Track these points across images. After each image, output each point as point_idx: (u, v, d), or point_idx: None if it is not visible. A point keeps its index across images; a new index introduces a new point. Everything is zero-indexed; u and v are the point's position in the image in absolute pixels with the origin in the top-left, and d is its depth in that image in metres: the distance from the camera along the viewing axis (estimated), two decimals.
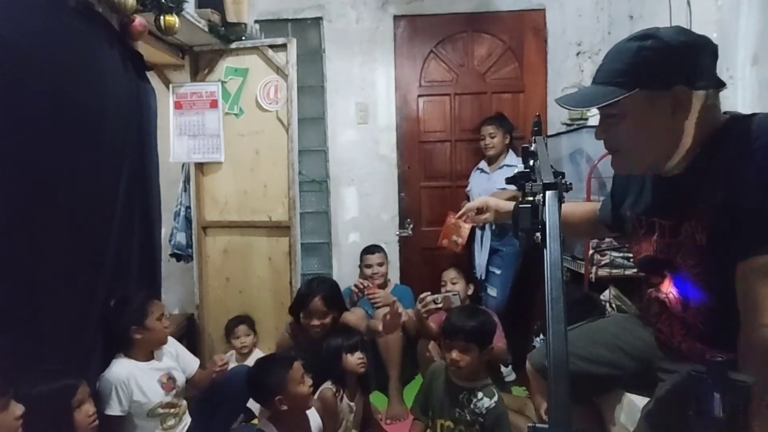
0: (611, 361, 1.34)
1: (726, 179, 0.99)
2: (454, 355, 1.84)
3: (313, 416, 1.88)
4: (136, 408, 1.85)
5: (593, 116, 2.68)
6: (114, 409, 1.78)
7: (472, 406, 1.81)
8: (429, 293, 2.33)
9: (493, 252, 2.92)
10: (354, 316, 2.66)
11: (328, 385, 2.02)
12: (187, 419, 2.02)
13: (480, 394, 1.82)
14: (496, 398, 1.82)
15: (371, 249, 3.07)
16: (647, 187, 1.19)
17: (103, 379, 1.81)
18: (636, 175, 1.24)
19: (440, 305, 2.35)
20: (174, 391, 1.95)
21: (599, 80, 1.06)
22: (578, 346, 1.35)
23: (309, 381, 1.80)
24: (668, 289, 1.16)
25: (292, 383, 1.74)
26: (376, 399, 2.52)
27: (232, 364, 2.54)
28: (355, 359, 2.08)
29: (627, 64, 1.02)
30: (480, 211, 1.63)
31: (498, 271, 2.91)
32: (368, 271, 2.99)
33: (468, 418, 1.81)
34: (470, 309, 2.05)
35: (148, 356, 1.92)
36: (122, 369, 1.83)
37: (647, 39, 1.02)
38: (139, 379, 1.84)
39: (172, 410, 1.93)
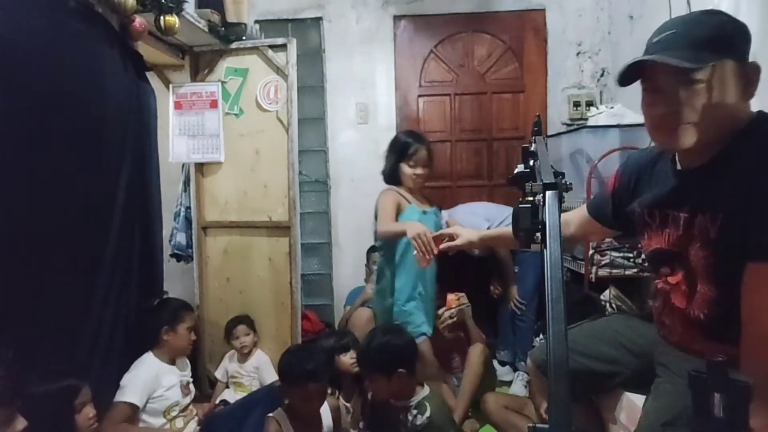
0: (613, 357, 1.35)
1: (752, 178, 0.98)
2: (366, 383, 1.92)
3: (326, 415, 1.90)
4: (155, 403, 1.96)
5: (593, 116, 2.67)
6: (132, 397, 1.89)
7: (409, 424, 1.82)
8: (444, 308, 2.42)
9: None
10: (360, 320, 2.67)
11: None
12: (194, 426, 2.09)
13: (414, 411, 1.82)
14: (428, 413, 1.80)
15: (375, 248, 3.05)
16: (662, 179, 1.18)
17: (133, 369, 1.95)
18: (647, 170, 1.23)
19: (455, 319, 2.44)
20: (189, 397, 2.11)
21: (680, 45, 1.00)
22: (580, 342, 1.36)
23: (322, 398, 1.81)
24: (676, 281, 1.16)
25: (305, 393, 1.76)
26: None
27: (234, 364, 2.57)
28: (347, 359, 2.07)
29: (717, 31, 0.99)
30: (451, 237, 1.73)
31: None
32: (375, 268, 2.97)
33: None
34: (374, 333, 1.96)
35: (171, 362, 2.07)
36: (153, 363, 2.00)
37: (720, 14, 1.02)
38: (164, 377, 2.00)
39: (182, 414, 2.05)
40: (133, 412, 1.89)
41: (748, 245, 0.97)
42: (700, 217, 1.07)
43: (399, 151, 2.32)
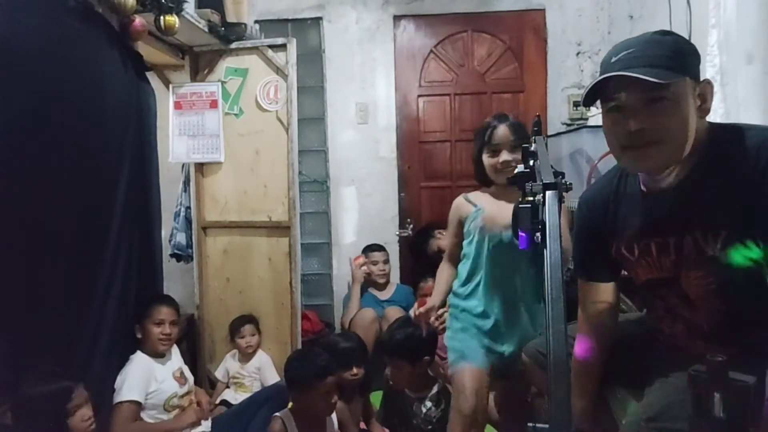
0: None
1: (747, 189, 0.99)
2: (387, 371, 1.95)
3: (332, 418, 1.90)
4: (153, 398, 1.97)
5: (593, 116, 2.67)
6: (132, 394, 1.90)
7: (422, 415, 1.86)
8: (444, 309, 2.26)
9: None
10: (364, 321, 2.68)
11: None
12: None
13: (428, 403, 1.87)
14: (443, 405, 1.86)
15: (375, 247, 3.12)
16: (631, 208, 1.16)
17: (125, 369, 1.96)
18: (612, 200, 1.19)
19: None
20: (186, 386, 2.12)
21: (641, 64, 0.99)
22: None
23: (334, 398, 1.81)
24: (675, 300, 1.15)
25: (315, 394, 1.76)
26: None
27: (235, 364, 2.57)
28: (347, 376, 2.06)
29: (672, 51, 1.01)
30: None
31: None
32: (374, 268, 3.02)
33: (422, 426, 1.86)
34: (400, 323, 2.03)
35: (159, 355, 2.08)
36: (143, 359, 2.01)
37: (674, 34, 1.05)
38: (156, 372, 2.02)
39: (182, 403, 2.09)
40: (137, 408, 1.91)
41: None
42: (688, 238, 1.06)
43: (479, 137, 1.77)
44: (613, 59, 1.04)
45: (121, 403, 1.88)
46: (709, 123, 1.07)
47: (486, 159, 1.73)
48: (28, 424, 1.42)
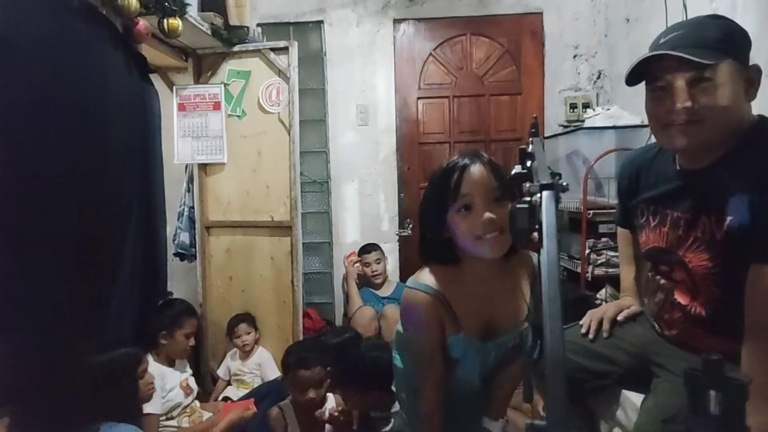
0: (607, 356, 1.35)
1: (763, 185, 0.99)
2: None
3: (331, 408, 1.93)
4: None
5: (589, 118, 2.71)
6: (152, 408, 1.89)
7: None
8: None
9: None
10: (364, 319, 2.71)
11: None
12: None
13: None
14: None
15: (367, 248, 3.15)
16: (662, 178, 1.19)
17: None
18: (647, 166, 1.25)
19: None
20: (191, 396, 2.14)
21: (689, 44, 1.01)
22: (575, 341, 1.37)
23: (318, 392, 1.82)
24: (679, 279, 1.16)
25: (298, 386, 1.80)
26: None
27: (236, 362, 2.61)
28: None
29: (721, 33, 1.02)
30: None
31: None
32: (368, 270, 3.06)
33: None
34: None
35: (170, 363, 2.11)
36: (156, 370, 1.99)
37: (725, 18, 1.06)
38: (167, 380, 2.03)
39: (186, 414, 2.10)
40: (157, 422, 1.93)
41: (755, 249, 0.99)
42: (704, 219, 1.07)
43: (438, 184, 1.22)
44: (662, 40, 1.06)
45: (143, 416, 1.87)
46: (759, 116, 1.08)
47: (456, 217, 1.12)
48: (103, 384, 1.45)
